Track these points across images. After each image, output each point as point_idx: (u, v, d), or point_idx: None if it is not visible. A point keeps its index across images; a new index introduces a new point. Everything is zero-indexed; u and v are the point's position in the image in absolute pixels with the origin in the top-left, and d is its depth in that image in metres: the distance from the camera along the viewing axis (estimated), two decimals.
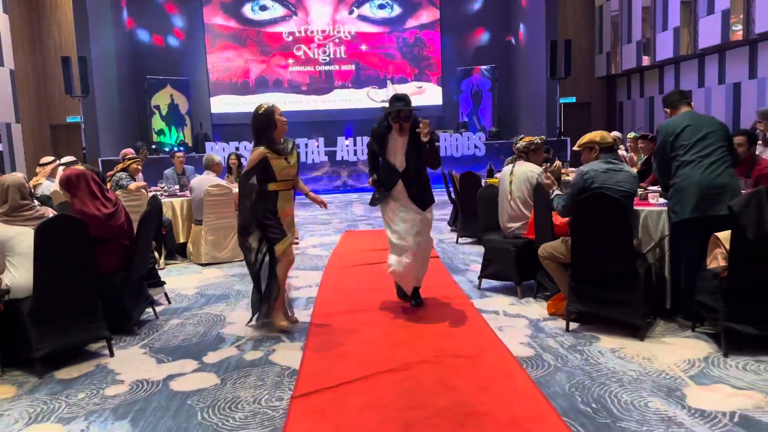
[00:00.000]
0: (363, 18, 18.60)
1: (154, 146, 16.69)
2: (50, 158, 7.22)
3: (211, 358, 3.71)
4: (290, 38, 18.59)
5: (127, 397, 3.17)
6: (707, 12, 12.58)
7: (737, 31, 11.58)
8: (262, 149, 3.98)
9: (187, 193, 7.23)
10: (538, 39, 15.93)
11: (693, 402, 2.83)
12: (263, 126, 3.99)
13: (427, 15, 18.66)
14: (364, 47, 18.72)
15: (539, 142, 4.98)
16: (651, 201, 4.29)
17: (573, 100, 17.96)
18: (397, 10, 18.61)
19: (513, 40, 18.13)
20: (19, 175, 3.67)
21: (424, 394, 3.02)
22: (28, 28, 17.26)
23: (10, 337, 3.55)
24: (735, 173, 3.80)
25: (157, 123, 17.63)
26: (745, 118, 11.47)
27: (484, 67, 17.52)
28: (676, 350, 3.49)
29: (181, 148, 16.50)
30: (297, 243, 6.93)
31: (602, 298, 3.77)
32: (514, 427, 2.64)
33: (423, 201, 4.41)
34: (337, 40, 18.71)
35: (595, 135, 4.04)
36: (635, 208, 4.12)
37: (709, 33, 12.47)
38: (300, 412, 2.87)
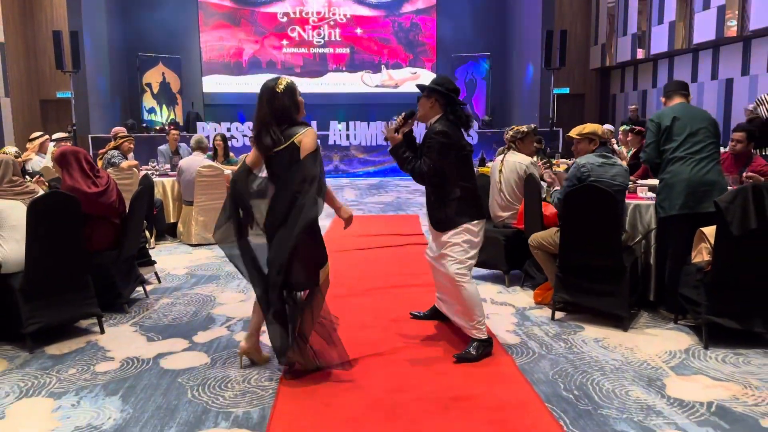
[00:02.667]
0: (359, 1, 18.47)
1: (144, 124, 16.57)
2: (39, 133, 7.16)
3: (201, 337, 3.74)
4: (285, 19, 18.43)
5: (118, 374, 3.21)
6: (703, 7, 12.61)
7: (732, 27, 11.63)
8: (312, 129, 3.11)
9: (167, 167, 7.19)
10: (534, 28, 15.89)
11: (672, 392, 2.91)
12: (288, 105, 3.06)
13: (424, 0, 18.57)
14: (359, 30, 18.61)
15: (526, 130, 4.99)
16: (640, 194, 4.35)
17: (567, 90, 17.97)
18: None
19: (509, 28, 18.09)
20: (11, 151, 3.66)
21: (411, 377, 3.08)
22: (19, 1, 16.98)
23: (1, 312, 3.57)
24: (723, 170, 3.87)
25: (148, 101, 17.48)
26: (737, 113, 11.57)
27: (478, 54, 17.47)
28: (658, 342, 3.57)
29: (166, 126, 16.43)
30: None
31: (588, 288, 3.84)
32: (498, 412, 2.70)
33: (433, 218, 3.48)
34: (332, 23, 18.57)
35: (597, 127, 4.06)
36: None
37: (704, 28, 12.51)
38: (289, 392, 2.92)
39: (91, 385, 3.06)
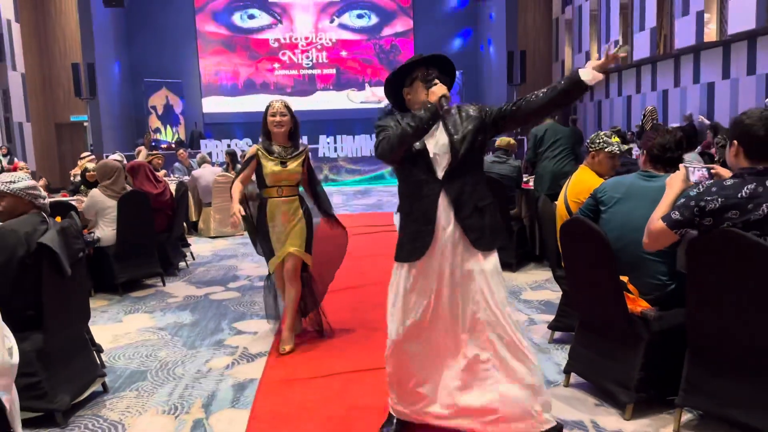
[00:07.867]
0: (343, 26, 20.43)
1: (153, 143, 18.39)
2: (87, 153, 9.03)
3: (232, 285, 5.60)
4: (276, 44, 20.35)
5: (182, 302, 5.06)
6: (639, 28, 14.64)
7: (662, 47, 13.59)
8: (255, 146, 3.78)
9: (186, 178, 9.05)
10: (501, 48, 17.82)
11: (524, 297, 4.80)
12: (263, 124, 3.87)
13: (401, 24, 20.54)
14: (344, 53, 20.55)
15: None
16: (530, 184, 6.25)
17: None
18: (374, 20, 20.46)
19: (481, 47, 20.05)
20: (119, 164, 5.51)
21: (366, 297, 4.95)
22: (35, 34, 18.80)
23: (99, 271, 5.41)
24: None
25: (154, 122, 19.31)
26: (672, 121, 13.51)
27: None
28: (531, 277, 5.46)
29: (173, 144, 18.32)
30: None
31: None
32: None
33: (482, 233, 2.45)
34: (319, 47, 20.51)
35: (502, 140, 6.04)
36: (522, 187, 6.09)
37: (642, 46, 14.52)
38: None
39: (168, 307, 4.91)
